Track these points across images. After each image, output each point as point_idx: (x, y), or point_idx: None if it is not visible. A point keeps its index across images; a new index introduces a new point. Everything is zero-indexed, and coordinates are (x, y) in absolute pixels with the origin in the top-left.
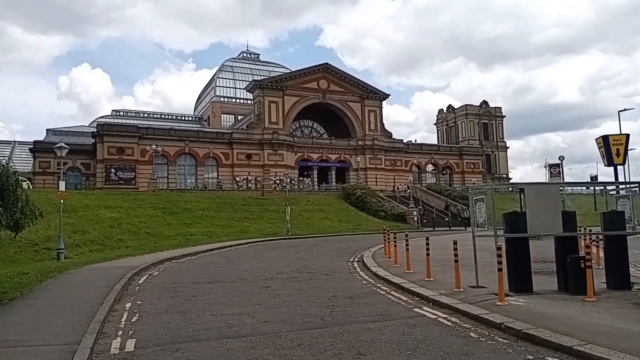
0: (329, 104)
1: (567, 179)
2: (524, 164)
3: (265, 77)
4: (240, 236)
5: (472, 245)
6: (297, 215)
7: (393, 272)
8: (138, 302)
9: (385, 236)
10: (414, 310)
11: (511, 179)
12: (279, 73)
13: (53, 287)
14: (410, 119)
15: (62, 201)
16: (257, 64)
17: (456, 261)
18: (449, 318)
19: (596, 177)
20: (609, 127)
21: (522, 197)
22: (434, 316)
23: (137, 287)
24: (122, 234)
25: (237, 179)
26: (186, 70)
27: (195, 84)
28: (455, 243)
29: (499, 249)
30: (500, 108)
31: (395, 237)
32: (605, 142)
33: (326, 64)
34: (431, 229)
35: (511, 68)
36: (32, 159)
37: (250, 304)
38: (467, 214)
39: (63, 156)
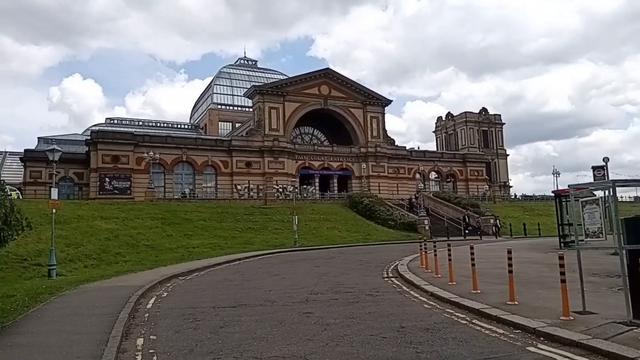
0: (330, 110)
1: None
2: (515, 172)
3: (264, 83)
4: (246, 248)
5: (557, 258)
6: (303, 225)
7: (455, 291)
8: (152, 337)
9: (421, 246)
10: (530, 349)
11: (511, 187)
12: (277, 79)
13: (43, 316)
14: (402, 129)
15: (54, 211)
16: (255, 71)
17: (563, 281)
18: None
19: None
20: (600, 136)
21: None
22: None
23: (147, 315)
24: (119, 247)
25: (238, 187)
26: (178, 81)
27: (188, 94)
28: (561, 258)
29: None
30: (500, 115)
31: (448, 247)
32: None
33: (327, 69)
34: (445, 238)
35: (501, 78)
36: (22, 169)
37: (297, 339)
38: (495, 222)
39: (56, 160)
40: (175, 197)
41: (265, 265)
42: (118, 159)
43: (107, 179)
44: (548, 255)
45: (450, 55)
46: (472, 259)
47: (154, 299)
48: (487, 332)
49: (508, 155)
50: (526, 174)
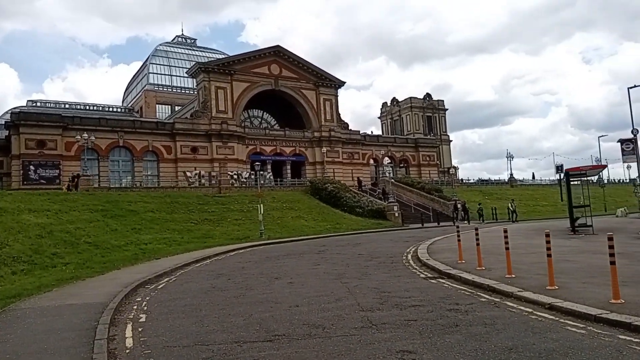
0: (281, 92)
1: (484, 174)
2: None
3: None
4: (207, 242)
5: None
6: (266, 215)
7: (584, 301)
8: None
9: (459, 233)
10: None
11: (453, 172)
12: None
13: None
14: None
15: None
16: (194, 50)
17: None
18: None
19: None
20: (521, 124)
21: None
22: None
23: None
24: (55, 245)
25: (188, 174)
26: (101, 65)
27: (114, 79)
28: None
29: None
30: (443, 101)
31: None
32: None
33: (278, 46)
34: (419, 225)
35: (429, 67)
36: None
37: None
38: (464, 207)
39: None
40: (113, 186)
41: (248, 265)
42: (44, 144)
43: (31, 167)
44: (575, 241)
45: (381, 44)
46: (611, 255)
47: (130, 327)
48: None
49: (451, 141)
50: (454, 161)
